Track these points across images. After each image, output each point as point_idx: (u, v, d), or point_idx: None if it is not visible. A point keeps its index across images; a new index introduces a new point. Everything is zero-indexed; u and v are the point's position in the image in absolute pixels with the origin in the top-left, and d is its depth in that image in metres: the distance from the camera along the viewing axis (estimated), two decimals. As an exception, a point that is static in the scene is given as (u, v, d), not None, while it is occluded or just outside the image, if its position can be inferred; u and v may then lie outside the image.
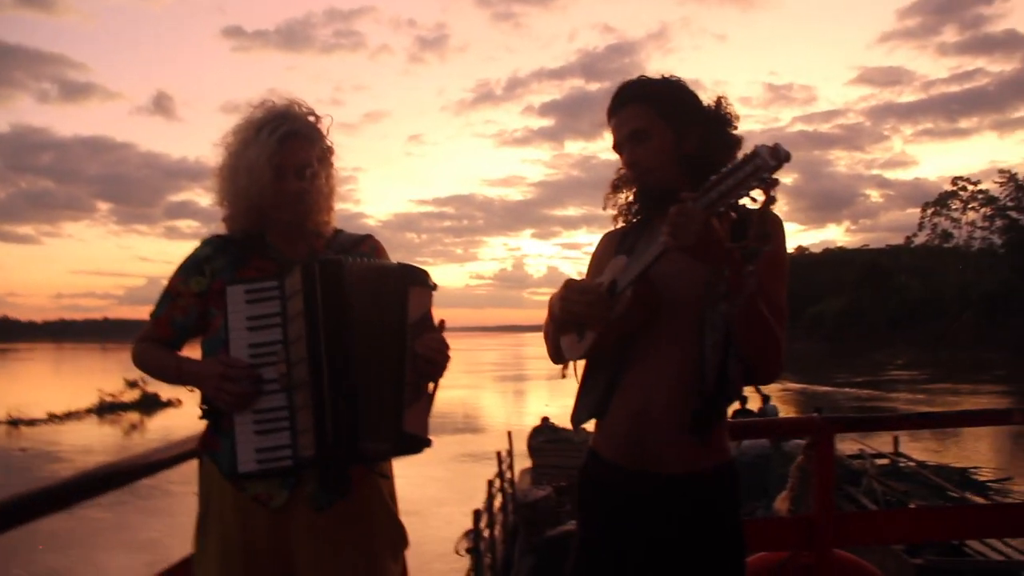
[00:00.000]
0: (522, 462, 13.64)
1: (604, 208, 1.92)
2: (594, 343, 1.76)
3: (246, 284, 1.78)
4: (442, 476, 17.06)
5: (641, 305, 1.69)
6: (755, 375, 1.70)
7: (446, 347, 1.79)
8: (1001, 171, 69.29)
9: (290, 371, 1.73)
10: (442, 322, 1.80)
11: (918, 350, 51.90)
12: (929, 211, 76.17)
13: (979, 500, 9.93)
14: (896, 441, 15.21)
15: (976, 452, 20.03)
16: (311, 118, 1.89)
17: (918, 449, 17.11)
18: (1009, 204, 67.74)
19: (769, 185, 1.40)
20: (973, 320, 57.32)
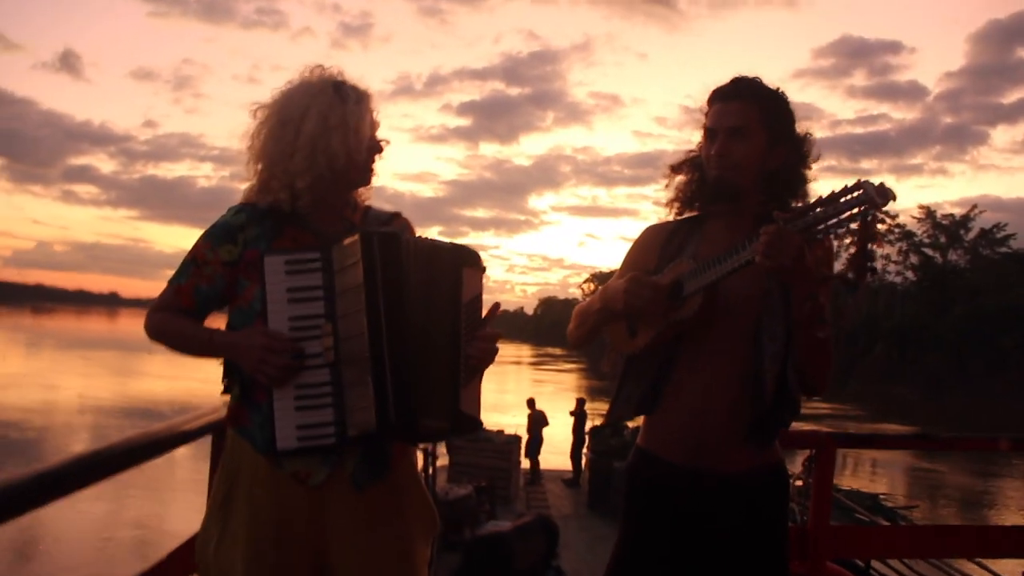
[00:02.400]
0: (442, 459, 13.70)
1: (665, 186, 1.99)
2: (652, 341, 1.84)
3: (286, 254, 1.77)
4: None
5: (707, 312, 1.78)
6: (807, 388, 1.81)
7: (497, 336, 1.84)
8: (920, 206, 72.65)
9: (337, 345, 1.73)
10: (496, 305, 1.85)
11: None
12: (847, 242, 79.24)
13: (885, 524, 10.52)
14: (808, 466, 15.80)
15: (887, 480, 21.18)
16: None
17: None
18: (925, 240, 71.09)
19: (872, 221, 1.48)
20: (884, 354, 59.62)
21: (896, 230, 73.94)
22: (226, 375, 1.83)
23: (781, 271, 1.60)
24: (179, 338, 1.85)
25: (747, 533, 1.82)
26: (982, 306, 54.23)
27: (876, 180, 1.49)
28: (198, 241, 1.86)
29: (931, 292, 63.53)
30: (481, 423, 1.82)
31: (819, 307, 1.65)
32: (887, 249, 75.25)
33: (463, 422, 1.78)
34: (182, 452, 2.08)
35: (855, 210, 1.48)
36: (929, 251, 70.60)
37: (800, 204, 1.84)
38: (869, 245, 1.53)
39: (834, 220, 1.51)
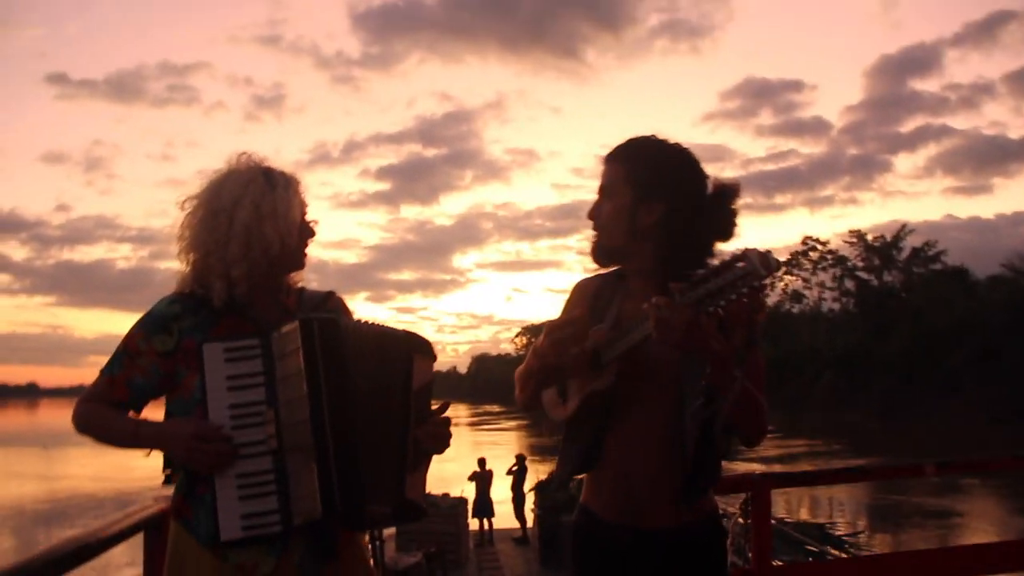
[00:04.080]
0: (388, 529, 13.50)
1: (587, 240, 2.05)
2: (577, 408, 1.92)
3: (225, 342, 1.81)
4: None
5: (624, 380, 1.86)
6: (743, 441, 1.91)
7: (449, 425, 1.92)
8: (851, 231, 74.20)
9: (280, 432, 1.77)
10: (445, 404, 1.94)
11: (779, 415, 54.57)
12: (780, 271, 79.82)
13: (839, 554, 10.73)
14: (744, 508, 16.00)
15: (831, 510, 21.58)
16: None
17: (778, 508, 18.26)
18: (859, 264, 72.69)
19: (756, 291, 1.53)
20: (832, 382, 60.30)
21: (828, 256, 75.65)
22: (166, 466, 1.87)
23: (675, 345, 1.66)
24: (104, 430, 1.86)
25: None
26: (925, 326, 54.77)
27: (762, 248, 1.53)
28: (130, 331, 1.88)
29: (871, 316, 64.10)
30: (425, 511, 1.88)
31: (713, 377, 1.72)
32: (821, 276, 76.58)
33: (407, 509, 1.84)
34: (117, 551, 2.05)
35: (739, 281, 1.52)
36: (864, 275, 72.03)
37: (700, 264, 1.86)
38: (755, 315, 1.61)
39: (722, 292, 1.54)
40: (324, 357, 1.76)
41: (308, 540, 1.82)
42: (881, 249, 70.45)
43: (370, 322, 1.90)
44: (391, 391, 1.83)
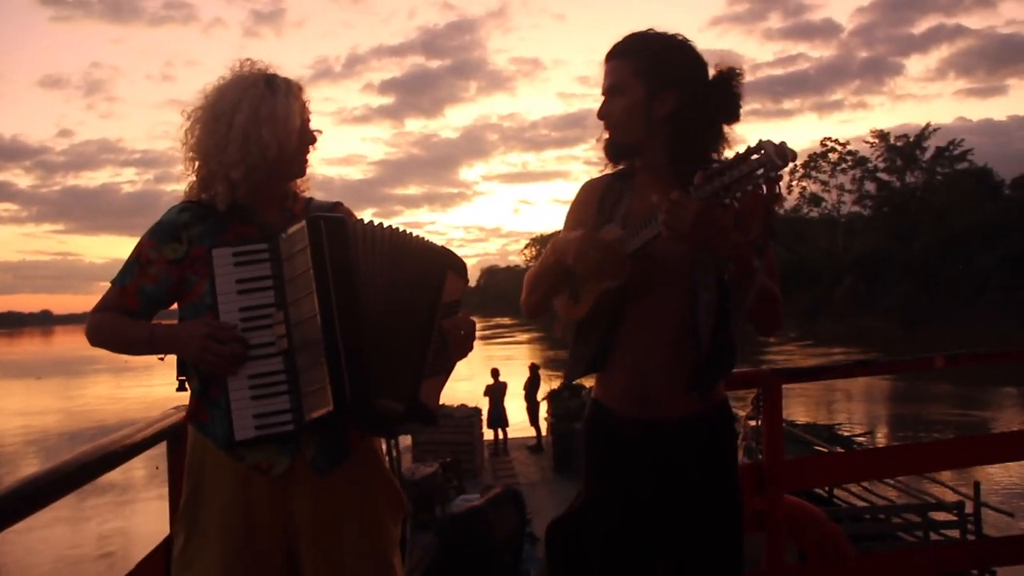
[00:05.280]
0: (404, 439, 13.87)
1: (597, 141, 2.09)
2: (593, 307, 1.98)
3: (234, 246, 1.86)
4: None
5: (636, 276, 1.92)
6: (760, 331, 2.00)
7: (473, 330, 1.97)
8: (873, 131, 73.11)
9: (290, 332, 1.82)
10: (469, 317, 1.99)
11: (796, 323, 54.48)
12: (797, 175, 78.10)
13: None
14: (756, 404, 16.26)
15: (847, 411, 21.98)
16: None
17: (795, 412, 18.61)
18: (881, 166, 71.83)
19: (773, 182, 1.59)
20: (852, 288, 60.01)
21: (848, 158, 74.59)
22: (180, 372, 1.93)
23: (685, 240, 1.73)
24: (118, 337, 1.93)
25: (699, 473, 2.00)
26: (951, 228, 54.16)
27: (776, 140, 1.58)
28: (141, 240, 1.94)
29: (892, 219, 63.58)
30: (437, 419, 1.95)
31: (735, 271, 1.80)
32: (840, 179, 75.67)
33: (419, 411, 1.89)
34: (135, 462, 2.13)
35: (758, 171, 1.57)
36: (885, 176, 71.27)
37: (710, 149, 1.97)
38: (771, 206, 1.65)
39: (738, 184, 1.60)
40: (331, 253, 1.80)
41: (320, 439, 1.89)
42: (904, 149, 69.48)
43: (400, 229, 1.94)
44: (413, 294, 1.90)
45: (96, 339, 1.95)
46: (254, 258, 1.86)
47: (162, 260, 1.91)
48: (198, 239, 1.91)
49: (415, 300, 1.91)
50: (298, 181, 2.08)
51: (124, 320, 1.92)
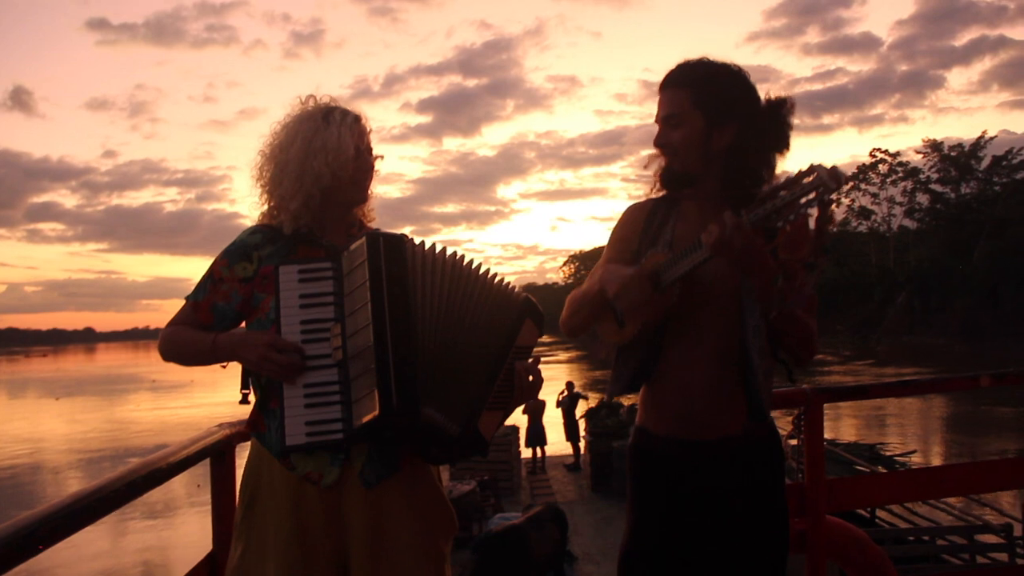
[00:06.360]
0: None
1: (645, 167, 2.17)
2: (638, 332, 2.05)
3: (300, 264, 1.99)
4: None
5: (684, 299, 1.99)
6: (794, 360, 2.05)
7: (541, 380, 2.08)
8: (925, 140, 71.84)
9: (345, 344, 1.92)
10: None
11: (849, 339, 53.37)
12: (846, 187, 76.73)
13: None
14: (797, 423, 16.05)
15: (896, 433, 21.76)
16: None
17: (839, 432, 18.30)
18: (933, 176, 70.55)
19: (826, 205, 1.64)
20: (907, 303, 59.04)
21: (899, 169, 73.14)
22: (244, 385, 2.06)
23: (732, 262, 1.81)
24: (185, 347, 2.06)
25: (747, 496, 2.05)
26: (1011, 239, 52.64)
27: (828, 164, 1.63)
28: (216, 260, 2.09)
29: (947, 231, 62.11)
30: (487, 450, 2.04)
31: (784, 290, 1.86)
32: (890, 191, 74.11)
33: (474, 438, 1.99)
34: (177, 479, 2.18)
35: (811, 195, 1.62)
36: (939, 187, 69.91)
37: (763, 180, 2.01)
38: (826, 227, 1.70)
39: (789, 207, 1.66)
40: (388, 268, 1.91)
41: (370, 451, 1.99)
42: (958, 159, 68.12)
43: (471, 261, 2.05)
44: (485, 328, 2.01)
45: (166, 347, 2.08)
46: (318, 275, 1.98)
47: (233, 278, 2.06)
48: (267, 259, 2.05)
49: (485, 331, 2.02)
50: (364, 210, 2.22)
51: (191, 330, 2.05)
